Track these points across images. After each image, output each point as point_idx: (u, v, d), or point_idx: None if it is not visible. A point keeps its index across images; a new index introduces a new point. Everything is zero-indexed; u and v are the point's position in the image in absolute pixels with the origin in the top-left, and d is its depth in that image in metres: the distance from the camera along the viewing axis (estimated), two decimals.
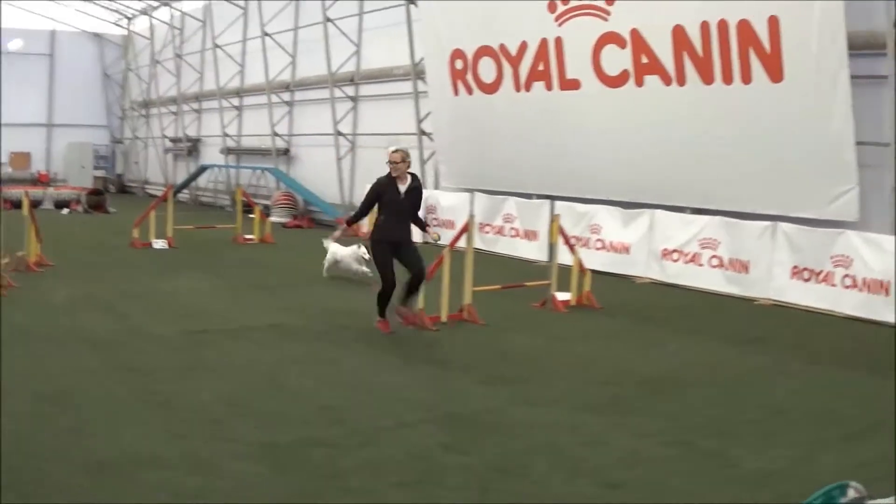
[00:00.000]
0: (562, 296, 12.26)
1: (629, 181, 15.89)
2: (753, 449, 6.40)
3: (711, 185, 14.61)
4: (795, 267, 12.85)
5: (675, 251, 14.68)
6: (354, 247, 13.88)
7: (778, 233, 13.13)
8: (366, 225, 14.95)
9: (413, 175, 10.14)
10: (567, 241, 12.69)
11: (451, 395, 7.71)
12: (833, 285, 12.31)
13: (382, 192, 9.96)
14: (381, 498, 5.29)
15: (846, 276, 12.14)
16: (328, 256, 14.36)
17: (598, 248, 15.91)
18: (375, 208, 10.20)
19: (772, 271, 13.14)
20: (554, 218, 12.82)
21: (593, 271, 13.07)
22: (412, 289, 10.13)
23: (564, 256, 12.88)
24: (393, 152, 10.00)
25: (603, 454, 6.24)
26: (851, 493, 3.85)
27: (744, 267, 13.57)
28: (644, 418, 7.17)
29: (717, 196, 14.56)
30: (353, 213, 10.56)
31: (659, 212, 15.03)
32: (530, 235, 17.66)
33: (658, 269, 14.96)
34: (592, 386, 8.23)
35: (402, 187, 9.95)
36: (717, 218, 14.13)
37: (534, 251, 17.26)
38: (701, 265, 14.23)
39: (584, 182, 16.83)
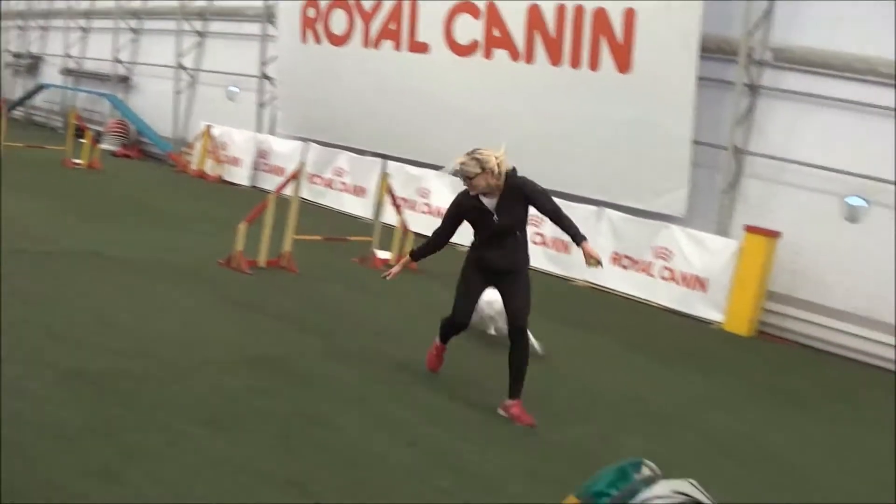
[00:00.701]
0: (382, 254, 10.91)
1: (466, 150, 14.55)
2: (561, 423, 6.06)
3: (546, 165, 13.13)
4: (616, 253, 11.80)
5: None
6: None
7: (603, 218, 12.05)
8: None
9: (508, 177, 5.93)
10: (394, 202, 11.24)
11: (264, 341, 6.91)
12: (651, 276, 11.33)
13: (463, 213, 6.19)
14: (181, 434, 4.70)
15: (665, 268, 11.18)
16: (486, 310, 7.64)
17: (424, 212, 14.41)
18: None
19: None
20: (384, 177, 11.58)
21: (417, 234, 11.72)
22: (513, 371, 6.01)
23: (390, 217, 11.56)
24: (462, 164, 5.96)
25: (409, 411, 5.72)
26: (646, 471, 3.59)
27: (565, 247, 12.43)
28: (459, 383, 6.52)
29: (550, 176, 12.80)
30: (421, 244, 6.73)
31: None
32: (359, 191, 16.01)
33: None
34: (403, 346, 7.29)
35: (492, 202, 5.98)
36: None
37: (360, 207, 15.68)
38: None
39: (421, 146, 15.24)
